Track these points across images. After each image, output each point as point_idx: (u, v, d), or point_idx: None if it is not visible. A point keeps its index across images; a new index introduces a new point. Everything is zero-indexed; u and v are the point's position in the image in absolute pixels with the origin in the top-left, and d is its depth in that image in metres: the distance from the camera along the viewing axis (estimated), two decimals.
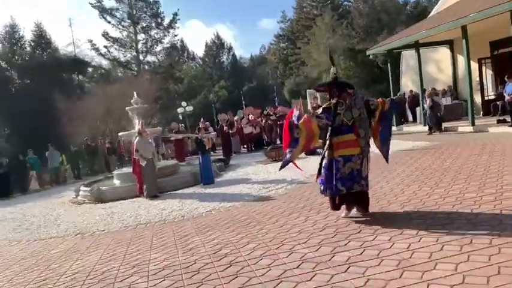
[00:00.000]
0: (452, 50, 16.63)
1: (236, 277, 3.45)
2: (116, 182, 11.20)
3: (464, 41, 12.50)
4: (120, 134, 12.27)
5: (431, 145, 10.64)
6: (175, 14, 40.28)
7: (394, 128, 14.34)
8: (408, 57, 19.17)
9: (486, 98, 15.18)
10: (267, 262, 3.68)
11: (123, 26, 37.05)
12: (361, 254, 3.53)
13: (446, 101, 14.96)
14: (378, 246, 3.64)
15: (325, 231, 4.41)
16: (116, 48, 36.94)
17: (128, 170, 11.66)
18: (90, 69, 35.44)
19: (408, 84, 19.08)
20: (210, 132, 13.31)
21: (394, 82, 17.82)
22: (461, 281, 2.78)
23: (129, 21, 37.10)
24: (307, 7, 61.18)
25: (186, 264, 4.00)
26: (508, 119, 11.99)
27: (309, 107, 17.44)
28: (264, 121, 16.56)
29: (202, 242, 4.78)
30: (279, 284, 3.16)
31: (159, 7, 39.25)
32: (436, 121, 13.11)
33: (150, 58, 39.36)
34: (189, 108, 26.63)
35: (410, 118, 17.48)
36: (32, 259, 5.42)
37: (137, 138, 9.28)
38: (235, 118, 17.14)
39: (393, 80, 17.66)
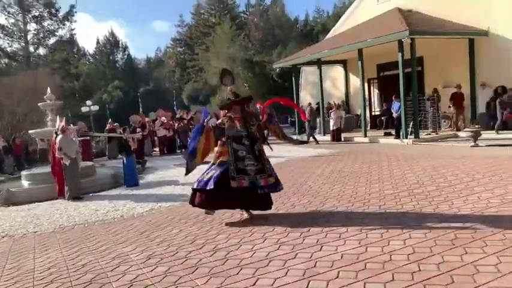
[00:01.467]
0: (345, 69, 18.90)
1: (227, 260, 3.89)
2: (25, 183, 10.36)
3: (359, 62, 14.50)
4: (31, 131, 11.31)
5: (335, 152, 12.12)
6: (73, 6, 37.69)
7: (297, 137, 15.84)
8: (308, 73, 21.12)
9: (373, 113, 17.63)
10: (247, 247, 4.19)
11: (8, 13, 33.26)
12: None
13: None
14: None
15: (284, 221, 5.08)
16: (0, 37, 33.00)
17: (39, 170, 10.92)
18: None
19: (307, 97, 20.98)
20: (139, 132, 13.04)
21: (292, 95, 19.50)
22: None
23: (16, 7, 33.45)
24: (205, 14, 62.00)
25: (170, 253, 4.28)
26: (393, 132, 14.23)
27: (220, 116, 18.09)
28: (177, 124, 16.68)
29: (169, 235, 5.05)
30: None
31: None
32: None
33: (41, 51, 35.97)
34: (95, 108, 25.14)
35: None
36: None
37: (60, 136, 8.84)
38: (147, 120, 16.95)
39: (290, 93, 19.37)
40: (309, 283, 3.25)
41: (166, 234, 5.13)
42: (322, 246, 4.06)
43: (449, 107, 14.21)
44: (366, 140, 14.29)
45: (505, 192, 5.57)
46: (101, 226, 6.27)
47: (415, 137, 12.95)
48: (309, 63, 17.90)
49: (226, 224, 5.23)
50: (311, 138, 14.73)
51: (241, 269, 3.65)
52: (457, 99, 13.91)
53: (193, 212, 6.25)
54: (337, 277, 3.32)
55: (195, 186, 5.34)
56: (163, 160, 14.58)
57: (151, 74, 61.88)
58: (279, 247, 4.15)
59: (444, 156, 9.46)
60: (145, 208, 7.23)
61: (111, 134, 15.73)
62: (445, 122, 15.00)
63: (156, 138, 17.10)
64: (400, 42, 12.66)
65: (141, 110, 28.82)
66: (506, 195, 5.43)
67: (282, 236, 4.50)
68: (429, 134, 13.80)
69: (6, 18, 32.92)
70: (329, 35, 20.61)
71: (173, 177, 10.60)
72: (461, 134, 13.07)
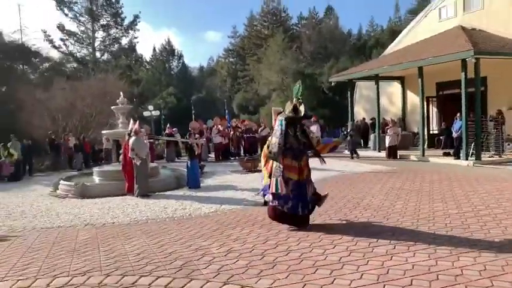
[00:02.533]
0: (403, 86, 18.72)
1: (302, 260, 4.19)
2: (96, 179, 11.23)
3: (420, 80, 14.36)
4: (104, 132, 12.27)
5: (390, 169, 12.09)
6: (137, 16, 39.97)
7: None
8: (362, 88, 21.10)
9: (431, 132, 17.32)
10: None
11: (79, 21, 36.00)
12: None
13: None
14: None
15: (349, 231, 5.30)
16: (71, 43, 35.76)
17: (109, 168, 11.76)
18: (36, 60, 33.71)
19: (361, 112, 20.95)
20: (197, 138, 13.72)
21: (345, 109, 19.61)
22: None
23: (87, 16, 36.13)
24: (258, 26, 63.23)
25: (247, 250, 4.64)
26: (452, 152, 13.93)
27: (273, 124, 18.46)
28: (232, 132, 17.28)
29: (241, 234, 5.42)
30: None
31: (121, 7, 38.78)
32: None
33: (106, 56, 38.54)
34: (156, 112, 26.50)
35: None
36: (79, 243, 5.62)
37: (133, 137, 9.56)
38: (204, 127, 17.70)
39: (341, 106, 19.46)
40: (384, 286, 3.47)
41: (239, 233, 5.50)
42: (392, 256, 4.25)
43: None
44: (424, 158, 14.08)
45: None
46: (172, 222, 6.78)
47: (476, 159, 12.63)
48: (366, 78, 17.94)
49: (291, 229, 5.52)
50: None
51: (317, 269, 3.93)
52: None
53: (258, 215, 6.64)
54: (410, 284, 3.52)
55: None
56: (220, 166, 15.15)
57: (204, 83, 63.83)
58: (350, 254, 4.39)
59: (510, 180, 9.23)
60: (210, 209, 7.67)
61: (175, 138, 16.58)
62: (509, 145, 14.47)
63: (211, 144, 17.78)
64: (464, 62, 12.49)
65: (193, 116, 29.89)
66: None
67: (351, 244, 4.73)
68: (492, 157, 13.38)
69: (77, 26, 35.80)
70: (387, 51, 20.54)
71: (231, 182, 11.09)
72: None
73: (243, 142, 17.81)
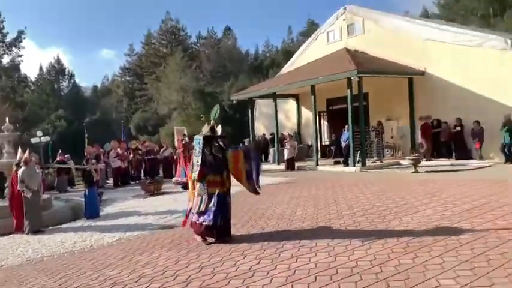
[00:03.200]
0: (298, 103, 20.09)
1: (215, 275, 4.32)
2: None
3: (312, 97, 15.60)
4: None
5: (290, 180, 12.85)
6: (22, 32, 36.28)
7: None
8: (262, 105, 22.11)
9: (323, 143, 18.81)
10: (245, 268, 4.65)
11: None
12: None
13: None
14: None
15: (258, 240, 5.57)
16: None
17: None
18: None
19: (261, 128, 21.90)
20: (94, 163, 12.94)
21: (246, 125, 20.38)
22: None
23: None
24: (156, 44, 62.38)
25: (159, 273, 4.61)
26: (342, 160, 15.32)
27: (176, 144, 18.38)
28: (132, 155, 16.70)
29: (151, 259, 5.35)
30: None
31: (3, 21, 34.92)
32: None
33: None
34: (45, 139, 24.23)
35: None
36: None
37: (22, 168, 8.72)
38: (101, 151, 16.81)
39: (242, 123, 20.26)
40: (292, 286, 3.78)
41: (148, 258, 5.40)
42: (297, 259, 4.62)
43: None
44: (318, 168, 15.25)
45: (443, 209, 6.51)
46: (73, 256, 6.26)
47: (362, 165, 14.07)
48: (265, 96, 18.88)
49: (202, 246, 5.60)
50: None
51: (230, 280, 4.11)
52: (425, 130, 14.80)
53: (165, 238, 6.55)
54: (315, 281, 3.89)
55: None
56: (119, 192, 14.42)
57: (98, 103, 60.56)
58: (259, 261, 4.65)
59: (390, 182, 10.50)
60: (113, 238, 7.23)
61: (70, 166, 15.43)
62: (388, 151, 16.39)
63: (109, 170, 16.87)
64: (349, 80, 13.93)
65: (86, 140, 28.20)
66: (444, 211, 6.36)
67: (260, 253, 5.00)
68: (374, 162, 15.03)
69: None
70: (283, 70, 21.91)
71: (133, 207, 10.52)
72: (403, 161, 14.40)
73: (143, 164, 17.32)
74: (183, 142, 15.91)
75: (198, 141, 6.02)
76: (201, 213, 5.75)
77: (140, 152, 17.28)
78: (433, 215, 6.21)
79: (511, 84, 13.11)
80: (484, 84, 13.76)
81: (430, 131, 14.88)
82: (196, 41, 66.18)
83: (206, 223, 5.71)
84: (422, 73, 15.52)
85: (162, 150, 18.12)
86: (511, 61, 13.12)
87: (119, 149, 16.68)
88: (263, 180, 13.04)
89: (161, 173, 17.74)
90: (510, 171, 11.17)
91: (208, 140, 6.03)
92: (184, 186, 13.05)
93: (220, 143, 6.18)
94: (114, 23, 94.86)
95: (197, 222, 5.81)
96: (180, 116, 42.22)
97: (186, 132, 18.63)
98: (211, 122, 6.38)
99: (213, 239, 5.77)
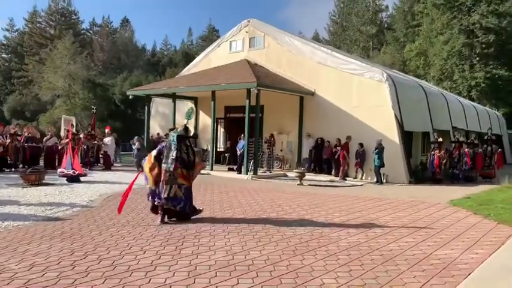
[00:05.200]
0: (196, 106, 20.25)
1: (115, 266, 4.32)
2: None
3: (212, 102, 15.97)
4: None
5: None
6: None
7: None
8: (158, 104, 21.75)
9: (218, 149, 19.24)
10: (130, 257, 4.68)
11: None
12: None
13: None
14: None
15: (157, 238, 5.66)
16: None
17: None
18: None
19: (156, 127, 21.49)
20: None
21: (137, 122, 19.89)
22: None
23: None
24: (42, 23, 56.89)
25: (54, 262, 4.38)
26: (235, 167, 15.92)
27: (62, 132, 17.12)
28: (9, 141, 15.02)
29: (41, 249, 5.05)
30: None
31: None
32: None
33: None
34: None
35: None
36: None
37: None
38: None
39: (132, 120, 19.75)
40: (195, 280, 4.01)
41: (37, 248, 5.11)
42: (197, 256, 4.86)
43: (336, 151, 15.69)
44: (212, 173, 15.60)
45: (325, 219, 7.35)
46: None
47: (254, 173, 14.83)
48: (164, 95, 18.65)
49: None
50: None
51: (132, 272, 4.17)
52: (345, 149, 15.36)
53: (54, 230, 6.22)
54: (216, 276, 4.18)
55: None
56: None
57: None
58: (160, 257, 4.77)
59: (279, 191, 11.33)
60: None
61: None
62: (277, 163, 17.51)
63: None
64: (249, 91, 14.62)
65: None
66: (326, 221, 7.19)
67: (160, 249, 5.11)
68: (265, 172, 15.94)
69: None
70: (183, 72, 21.86)
71: (11, 197, 9.66)
72: (290, 174, 15.55)
73: (22, 152, 15.70)
74: (72, 132, 15.00)
75: (173, 139, 6.91)
76: (170, 199, 6.77)
77: (19, 138, 15.63)
78: (317, 223, 6.98)
79: (383, 112, 15.13)
80: (362, 110, 15.64)
81: (348, 151, 15.38)
82: (89, 27, 62.12)
83: (177, 209, 6.86)
84: (312, 93, 16.98)
85: (45, 138, 16.63)
86: (384, 92, 15.14)
87: None
88: None
89: (42, 163, 16.29)
90: (379, 190, 12.87)
91: (181, 139, 6.95)
92: (71, 179, 12.28)
93: (191, 143, 7.31)
94: None
95: (165, 206, 6.79)
96: (64, 104, 39.03)
97: (74, 123, 17.51)
98: (185, 121, 7.52)
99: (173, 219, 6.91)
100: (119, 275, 4.09)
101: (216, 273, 4.25)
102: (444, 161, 15.62)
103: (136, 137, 17.36)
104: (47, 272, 4.14)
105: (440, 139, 16.11)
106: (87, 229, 6.24)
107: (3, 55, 57.15)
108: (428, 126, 17.11)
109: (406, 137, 15.68)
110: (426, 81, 31.89)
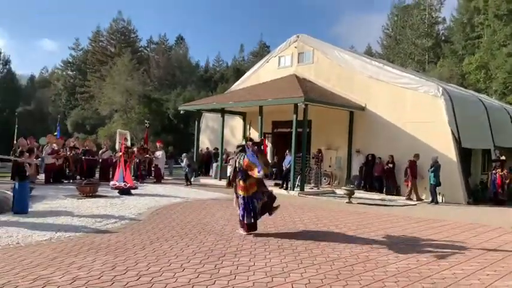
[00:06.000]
0: (244, 120, 20.40)
1: (153, 284, 4.30)
2: None
3: (260, 117, 15.98)
4: None
5: (231, 197, 12.84)
6: None
7: (193, 179, 16.63)
8: (208, 119, 22.18)
9: None
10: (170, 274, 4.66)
11: None
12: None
13: None
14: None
15: (197, 255, 5.62)
16: None
17: None
18: None
19: (205, 141, 21.90)
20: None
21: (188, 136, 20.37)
22: None
23: None
24: (104, 42, 60.44)
25: (95, 277, 4.47)
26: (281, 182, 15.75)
27: (117, 146, 17.84)
28: (69, 153, 15.92)
29: (86, 262, 5.19)
30: None
31: None
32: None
33: None
34: None
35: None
36: None
37: None
38: (36, 145, 15.86)
39: (184, 134, 20.18)
40: None
41: (82, 261, 5.25)
42: (236, 276, 4.74)
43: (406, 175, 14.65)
44: None
45: (373, 241, 6.97)
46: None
47: (300, 190, 14.56)
48: (213, 110, 18.99)
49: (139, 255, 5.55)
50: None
51: None
52: (412, 167, 14.39)
53: (101, 242, 6.39)
54: None
55: (254, 220, 7.33)
56: (51, 189, 13.71)
57: (34, 94, 56.99)
58: (198, 275, 4.71)
59: (325, 209, 10.99)
60: (43, 237, 6.93)
61: (5, 157, 14.32)
62: (325, 179, 17.11)
63: (40, 165, 15.95)
64: (296, 106, 14.48)
65: (16, 131, 26.47)
66: (374, 244, 6.82)
67: (199, 267, 5.06)
68: (312, 188, 15.61)
69: None
70: (233, 87, 22.20)
71: (66, 207, 10.14)
72: (338, 191, 15.10)
73: (80, 164, 16.56)
74: (124, 146, 15.58)
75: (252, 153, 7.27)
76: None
77: (78, 150, 16.52)
78: (364, 245, 6.63)
79: (439, 128, 14.36)
80: (416, 125, 14.94)
81: (415, 169, 14.42)
82: (146, 45, 65.13)
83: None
84: (363, 108, 16.52)
85: (101, 151, 17.46)
86: (440, 107, 14.40)
87: (55, 145, 15.86)
88: (203, 195, 13.26)
89: (97, 175, 17.06)
90: (434, 211, 12.12)
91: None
92: (122, 191, 12.71)
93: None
94: (60, 14, 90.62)
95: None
96: (121, 118, 40.96)
97: (128, 136, 18.23)
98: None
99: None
100: None
101: None
102: (507, 181, 14.46)
103: (184, 154, 17.74)
104: (88, 286, 4.22)
105: (503, 157, 14.97)
106: (131, 243, 6.34)
107: (69, 72, 61.20)
108: (489, 143, 15.99)
109: (465, 154, 14.75)
110: (487, 95, 30.02)
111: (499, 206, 13.55)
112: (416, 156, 14.36)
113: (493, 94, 32.81)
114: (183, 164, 17.29)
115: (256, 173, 7.06)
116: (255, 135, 18.25)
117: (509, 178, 14.51)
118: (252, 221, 7.27)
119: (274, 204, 7.65)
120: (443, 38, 51.99)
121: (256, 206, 7.31)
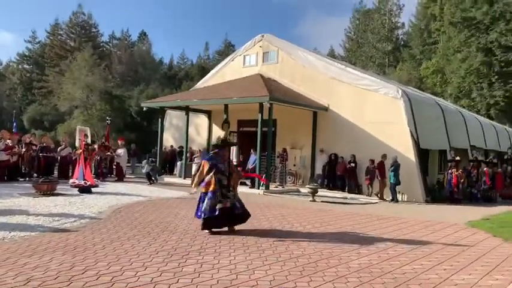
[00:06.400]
0: (210, 119, 20.25)
1: (114, 283, 4.16)
2: None
3: (225, 115, 15.86)
4: None
5: (196, 195, 12.72)
6: None
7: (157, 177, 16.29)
8: (172, 116, 21.84)
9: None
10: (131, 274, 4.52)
11: None
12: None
13: None
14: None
15: (160, 253, 5.49)
16: None
17: None
18: None
19: (169, 139, 21.55)
20: None
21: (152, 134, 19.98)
22: None
23: None
24: (63, 36, 58.29)
25: (51, 277, 4.25)
26: (248, 182, 15.73)
27: (77, 143, 17.21)
28: (25, 150, 15.18)
29: (41, 262, 4.94)
30: None
31: None
32: None
33: None
34: None
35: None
36: None
37: None
38: None
39: (148, 132, 19.82)
40: None
41: (37, 261, 4.99)
42: (199, 274, 4.66)
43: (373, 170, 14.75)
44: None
45: (337, 238, 7.09)
46: None
47: (266, 188, 14.61)
48: (178, 108, 18.72)
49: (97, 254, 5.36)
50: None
51: None
52: (381, 167, 14.58)
53: (59, 242, 6.12)
54: None
55: (205, 216, 7.12)
56: (4, 187, 13.01)
57: None
58: (161, 274, 4.59)
59: (290, 207, 11.09)
60: None
61: None
62: (289, 178, 17.27)
63: None
64: (261, 105, 14.52)
65: None
66: (338, 240, 6.93)
67: (162, 265, 4.94)
68: (277, 187, 15.71)
69: None
70: (198, 85, 21.99)
71: (21, 206, 9.65)
72: (302, 189, 15.28)
73: (36, 161, 15.83)
74: (84, 143, 15.05)
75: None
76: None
77: (35, 147, 15.79)
78: (328, 242, 6.72)
79: (399, 129, 14.83)
80: (376, 126, 15.36)
81: (384, 169, 14.57)
82: (108, 40, 63.40)
83: None
84: (326, 109, 16.80)
85: (60, 148, 16.78)
86: (399, 109, 14.86)
87: (9, 141, 15.07)
88: (167, 193, 13.03)
89: (56, 173, 16.39)
90: (394, 209, 12.50)
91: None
92: (82, 189, 12.25)
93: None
94: (14, 5, 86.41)
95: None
96: (82, 115, 39.60)
97: (88, 133, 17.62)
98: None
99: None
100: None
101: None
102: (462, 180, 15.16)
103: (144, 161, 17.39)
104: (43, 287, 4.01)
105: (458, 158, 15.69)
106: (91, 242, 6.11)
107: (25, 65, 58.55)
108: (445, 144, 16.70)
109: (422, 154, 15.31)
110: (443, 99, 31.39)
111: (455, 204, 14.17)
112: (384, 156, 14.67)
113: (448, 97, 34.38)
114: (143, 171, 16.88)
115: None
116: (218, 132, 18.19)
117: (463, 178, 15.22)
118: (203, 215, 7.15)
119: (236, 227, 7.44)
120: (402, 42, 53.94)
121: (207, 203, 7.15)
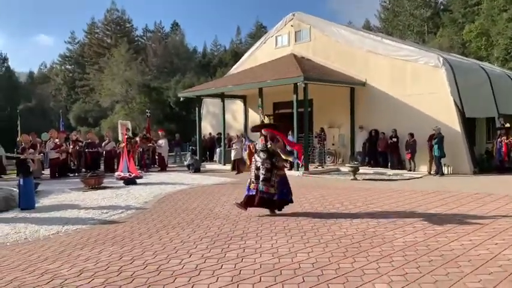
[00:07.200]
0: (245, 104, 20.27)
1: (160, 272, 4.31)
2: None
3: (259, 99, 15.84)
4: None
5: (236, 181, 12.98)
6: None
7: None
8: (209, 104, 22.04)
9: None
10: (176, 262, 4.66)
11: None
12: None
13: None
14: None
15: (203, 240, 5.63)
16: None
17: None
18: None
19: (207, 127, 21.83)
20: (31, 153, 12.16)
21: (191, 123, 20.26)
22: None
23: None
24: (100, 34, 59.97)
25: (102, 268, 4.48)
26: (286, 164, 15.68)
27: (120, 137, 17.81)
28: (72, 147, 15.94)
29: (93, 254, 5.20)
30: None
31: None
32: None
33: None
34: None
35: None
36: None
37: None
38: (38, 140, 15.87)
39: (187, 121, 20.10)
40: (238, 286, 3.88)
41: (89, 253, 5.27)
42: (242, 259, 4.74)
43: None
44: None
45: (380, 217, 6.95)
46: (5, 248, 5.99)
47: (305, 170, 14.53)
48: (213, 95, 18.87)
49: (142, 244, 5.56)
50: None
51: (176, 278, 4.13)
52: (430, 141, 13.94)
53: (107, 234, 6.41)
54: (260, 281, 4.02)
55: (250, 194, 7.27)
56: (57, 184, 13.78)
57: (34, 91, 56.90)
58: (205, 261, 4.71)
59: (331, 187, 10.97)
60: (50, 231, 6.99)
61: (3, 154, 14.40)
62: (329, 157, 17.06)
63: (44, 160, 16.03)
64: (296, 86, 14.32)
65: (19, 128, 26.61)
66: (380, 219, 6.79)
67: (206, 252, 5.06)
68: (316, 168, 15.58)
69: None
70: (231, 71, 21.99)
71: (72, 201, 10.21)
72: (343, 168, 15.06)
73: (84, 157, 16.57)
74: (127, 136, 15.53)
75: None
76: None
77: (81, 143, 16.53)
78: (371, 221, 6.61)
79: (440, 99, 14.19)
80: (417, 98, 14.77)
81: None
82: (142, 34, 64.56)
83: None
84: (363, 84, 16.32)
85: (104, 143, 17.45)
86: (441, 78, 14.19)
87: (57, 140, 15.86)
88: (208, 180, 13.28)
89: (102, 167, 17.11)
90: (440, 183, 12.08)
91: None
92: (127, 181, 12.73)
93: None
94: (52, 9, 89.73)
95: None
96: (123, 109, 40.97)
97: (130, 127, 18.16)
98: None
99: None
100: (163, 280, 4.07)
101: (260, 278, 4.10)
102: None
103: (189, 153, 17.80)
104: (95, 278, 4.22)
105: (508, 124, 14.81)
106: (138, 232, 6.35)
107: (67, 66, 60.98)
108: (493, 111, 15.82)
109: (469, 124, 14.60)
110: (489, 63, 29.60)
111: (506, 174, 13.47)
112: (437, 129, 13.76)
113: (494, 61, 32.36)
114: (185, 163, 17.30)
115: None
116: (255, 117, 18.21)
117: None
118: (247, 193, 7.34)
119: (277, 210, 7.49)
120: (441, 7, 51.09)
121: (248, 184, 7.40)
